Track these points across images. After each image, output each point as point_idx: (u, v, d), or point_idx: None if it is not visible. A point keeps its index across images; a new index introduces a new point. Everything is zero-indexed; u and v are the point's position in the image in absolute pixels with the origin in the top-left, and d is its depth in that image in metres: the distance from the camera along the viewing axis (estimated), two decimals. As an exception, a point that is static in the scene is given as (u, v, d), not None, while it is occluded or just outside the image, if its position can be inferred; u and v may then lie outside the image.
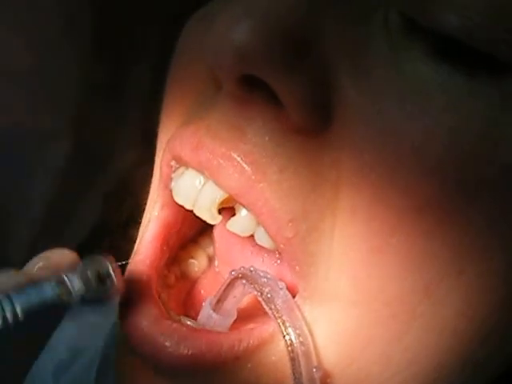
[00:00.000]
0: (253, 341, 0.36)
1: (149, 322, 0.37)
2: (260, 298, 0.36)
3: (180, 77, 0.42)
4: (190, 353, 0.36)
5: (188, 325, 0.38)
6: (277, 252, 0.40)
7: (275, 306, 0.36)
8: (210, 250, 0.45)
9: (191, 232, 0.44)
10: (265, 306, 0.36)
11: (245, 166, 0.35)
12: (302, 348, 0.34)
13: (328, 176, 0.34)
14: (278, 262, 0.41)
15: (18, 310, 0.33)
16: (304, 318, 0.36)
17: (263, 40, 0.32)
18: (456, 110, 0.32)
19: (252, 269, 0.37)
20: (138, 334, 0.37)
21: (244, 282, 0.37)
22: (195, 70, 0.40)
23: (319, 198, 0.34)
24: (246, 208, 0.36)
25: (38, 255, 0.37)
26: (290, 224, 0.35)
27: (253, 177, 0.35)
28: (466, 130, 0.33)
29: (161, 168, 0.40)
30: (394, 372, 0.35)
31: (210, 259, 0.44)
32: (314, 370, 0.34)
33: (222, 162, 0.35)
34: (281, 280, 0.38)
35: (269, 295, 0.36)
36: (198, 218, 0.40)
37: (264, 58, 0.32)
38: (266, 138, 0.35)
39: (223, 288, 0.38)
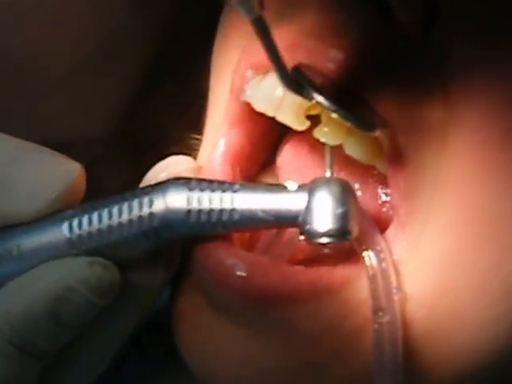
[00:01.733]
0: (335, 278, 0.33)
1: (222, 249, 0.33)
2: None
3: None
4: (263, 283, 0.32)
5: (262, 256, 0.35)
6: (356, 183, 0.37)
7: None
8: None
9: (258, 162, 0.41)
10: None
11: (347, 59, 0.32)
12: (383, 265, 0.31)
13: (433, 86, 0.32)
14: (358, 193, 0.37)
15: None
16: (399, 243, 0.33)
17: None
18: None
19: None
20: (208, 262, 0.33)
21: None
22: None
23: (426, 107, 0.32)
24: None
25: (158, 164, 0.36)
26: (402, 131, 0.32)
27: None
28: None
29: (232, 81, 0.37)
30: (488, 304, 0.32)
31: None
32: (394, 290, 0.31)
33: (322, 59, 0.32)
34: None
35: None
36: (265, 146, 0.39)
37: None
38: (371, 40, 0.32)
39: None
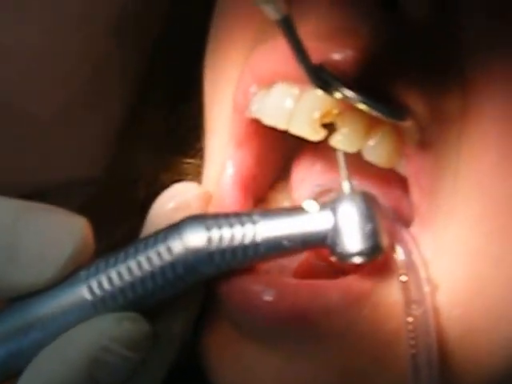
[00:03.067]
0: (365, 285, 0.32)
1: (245, 278, 0.32)
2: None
3: None
4: (293, 303, 0.31)
5: (287, 277, 0.34)
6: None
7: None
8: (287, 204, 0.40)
9: (268, 181, 0.40)
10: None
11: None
12: (412, 257, 0.31)
13: (451, 73, 0.31)
14: None
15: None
16: (423, 240, 0.32)
17: None
18: None
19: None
20: (233, 292, 0.32)
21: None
22: None
23: (446, 95, 0.31)
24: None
25: (162, 193, 0.34)
26: (426, 122, 0.31)
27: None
28: None
29: (235, 98, 0.36)
30: None
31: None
32: (425, 282, 0.30)
33: (334, 59, 0.32)
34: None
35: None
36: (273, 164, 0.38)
37: None
38: (385, 37, 0.32)
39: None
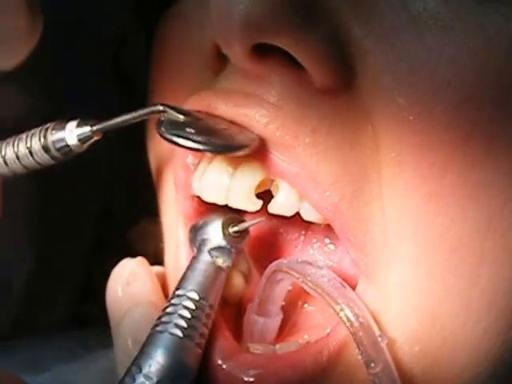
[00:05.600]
0: (332, 346, 0.34)
1: (224, 358, 0.35)
2: (304, 285, 0.35)
3: (165, 70, 0.40)
4: (277, 381, 0.33)
5: (266, 353, 0.36)
6: (327, 237, 0.39)
7: (322, 288, 0.34)
8: (243, 267, 0.42)
9: None
10: (310, 291, 0.34)
11: (272, 128, 0.33)
12: (360, 319, 0.33)
13: (364, 131, 0.33)
14: (330, 247, 0.39)
15: None
16: (370, 294, 0.34)
17: (270, 4, 0.31)
18: (476, 33, 0.31)
19: (285, 261, 0.36)
20: (216, 374, 0.34)
21: (281, 274, 0.35)
22: (184, 58, 0.38)
23: (359, 156, 0.33)
24: (284, 178, 0.34)
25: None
26: (333, 187, 0.33)
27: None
28: (492, 49, 0.32)
29: (176, 175, 0.38)
30: (476, 320, 0.33)
31: (246, 277, 0.42)
32: (379, 338, 0.32)
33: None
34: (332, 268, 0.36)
35: (309, 278, 0.34)
36: None
37: (275, 21, 0.31)
38: (291, 102, 0.33)
39: (261, 288, 0.36)
